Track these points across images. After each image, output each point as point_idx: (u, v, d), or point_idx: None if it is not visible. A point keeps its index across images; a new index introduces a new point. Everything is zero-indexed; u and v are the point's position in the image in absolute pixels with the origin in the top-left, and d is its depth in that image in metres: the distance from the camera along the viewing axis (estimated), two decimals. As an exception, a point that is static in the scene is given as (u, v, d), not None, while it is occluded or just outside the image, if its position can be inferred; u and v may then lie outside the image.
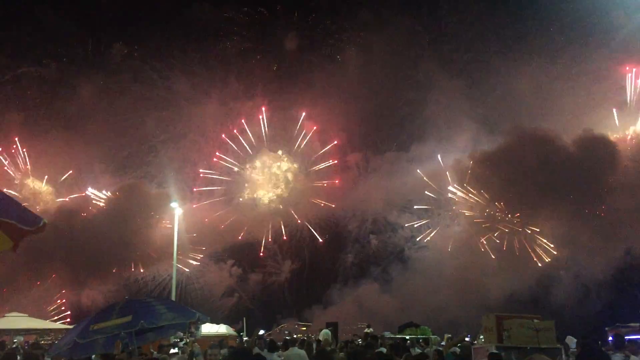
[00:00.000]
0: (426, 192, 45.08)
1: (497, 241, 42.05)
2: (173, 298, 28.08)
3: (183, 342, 21.65)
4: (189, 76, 47.82)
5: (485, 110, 44.73)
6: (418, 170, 44.67)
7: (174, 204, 31.25)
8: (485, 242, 42.35)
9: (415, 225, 45.60)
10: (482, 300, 35.47)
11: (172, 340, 20.68)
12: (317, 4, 49.14)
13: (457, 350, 12.37)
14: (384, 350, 12.38)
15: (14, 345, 23.08)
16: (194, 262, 44.48)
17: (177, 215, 30.38)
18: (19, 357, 12.93)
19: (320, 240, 47.36)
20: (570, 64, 42.78)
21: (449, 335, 17.58)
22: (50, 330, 28.26)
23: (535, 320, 11.10)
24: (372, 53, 47.96)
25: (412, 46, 47.07)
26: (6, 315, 26.08)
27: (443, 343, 19.00)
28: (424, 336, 18.41)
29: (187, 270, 43.86)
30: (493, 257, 41.48)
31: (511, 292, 37.24)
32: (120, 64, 47.77)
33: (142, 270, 43.30)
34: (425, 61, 46.45)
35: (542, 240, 41.75)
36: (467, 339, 13.95)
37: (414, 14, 46.64)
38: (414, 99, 46.55)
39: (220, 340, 17.99)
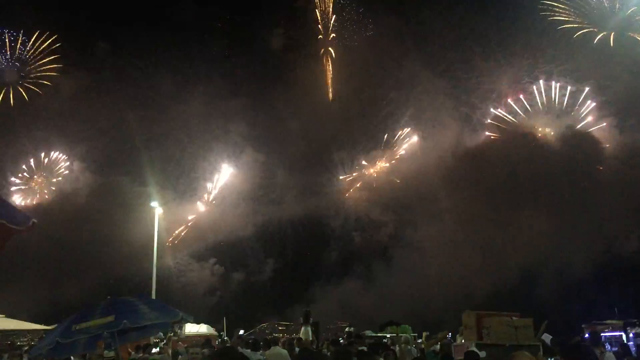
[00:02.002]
0: (409, 189, 45.52)
1: (480, 238, 42.53)
2: (153, 297, 27.87)
3: (163, 342, 21.52)
4: (173, 75, 47.61)
5: (469, 109, 45.39)
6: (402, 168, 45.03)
7: (154, 204, 31.04)
8: (468, 240, 42.80)
9: (399, 223, 46.01)
10: (465, 297, 35.85)
11: (152, 341, 20.54)
12: (302, 4, 49.43)
13: (437, 348, 12.53)
14: (365, 348, 12.46)
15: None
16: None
17: (157, 215, 30.19)
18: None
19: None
20: (552, 64, 43.61)
21: (427, 333, 17.75)
22: (27, 331, 27.79)
23: (514, 318, 11.32)
24: (356, 52, 48.32)
25: (396, 46, 47.54)
26: (-19, 315, 25.54)
27: (419, 340, 19.19)
28: (404, 335, 18.56)
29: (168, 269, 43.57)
30: (476, 254, 41.92)
31: (494, 290, 37.68)
32: (103, 63, 47.43)
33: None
34: (410, 61, 46.93)
35: (524, 238, 42.26)
36: (449, 336, 14.11)
37: (399, 14, 47.06)
38: (398, 98, 47.06)
39: (207, 340, 17.93)
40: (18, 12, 44.90)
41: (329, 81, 49.59)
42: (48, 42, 47.61)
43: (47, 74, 47.79)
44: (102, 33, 47.26)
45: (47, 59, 47.72)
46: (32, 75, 47.98)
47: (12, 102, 46.87)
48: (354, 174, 49.17)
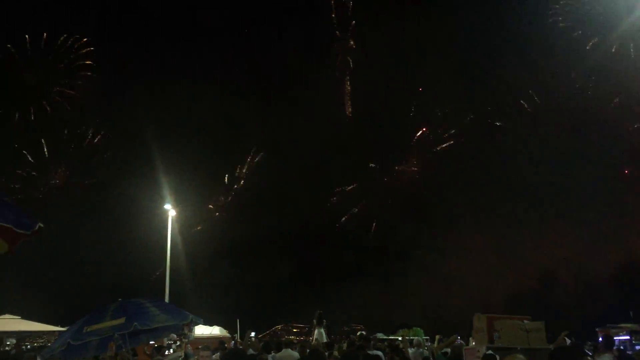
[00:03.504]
0: (427, 191, 45.51)
1: (499, 241, 42.24)
2: (166, 299, 28.06)
3: (177, 344, 21.67)
4: (188, 76, 47.93)
5: (487, 107, 45.20)
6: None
7: (167, 206, 31.23)
8: (486, 242, 42.52)
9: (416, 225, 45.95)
10: (482, 300, 35.61)
11: (166, 342, 20.68)
12: (319, 4, 49.53)
13: (448, 351, 12.48)
14: (379, 353, 12.44)
15: (7, 348, 23.04)
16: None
17: (170, 217, 30.38)
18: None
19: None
20: (571, 63, 43.17)
21: (440, 337, 17.66)
22: (44, 332, 28.12)
23: (526, 321, 11.22)
24: (373, 52, 48.29)
25: (414, 46, 47.18)
26: (-1, 317, 25.93)
27: (428, 344, 19.09)
28: (416, 337, 18.52)
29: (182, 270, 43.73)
30: (494, 257, 41.62)
31: (512, 293, 37.38)
32: (119, 66, 47.78)
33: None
34: (428, 60, 46.56)
35: (542, 241, 41.83)
36: (458, 338, 14.01)
37: (416, 13, 46.70)
38: (416, 98, 47.02)
39: (220, 341, 18.00)
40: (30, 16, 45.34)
41: (347, 96, 49.72)
42: (76, 46, 47.34)
43: (77, 82, 47.58)
44: (117, 38, 47.70)
45: (78, 64, 47.36)
46: (61, 84, 47.63)
47: (32, 116, 46.91)
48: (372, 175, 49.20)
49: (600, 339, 16.96)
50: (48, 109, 47.16)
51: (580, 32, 43.16)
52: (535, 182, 41.38)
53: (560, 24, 43.48)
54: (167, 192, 37.34)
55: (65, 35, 46.80)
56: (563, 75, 43.59)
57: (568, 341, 13.97)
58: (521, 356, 3.84)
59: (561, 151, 41.74)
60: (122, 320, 9.33)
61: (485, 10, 44.14)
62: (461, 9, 45.09)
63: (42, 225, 5.50)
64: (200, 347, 18.44)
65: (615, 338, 15.82)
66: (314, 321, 20.08)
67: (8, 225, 5.17)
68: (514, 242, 42.21)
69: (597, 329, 22.11)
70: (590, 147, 40.88)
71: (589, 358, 9.62)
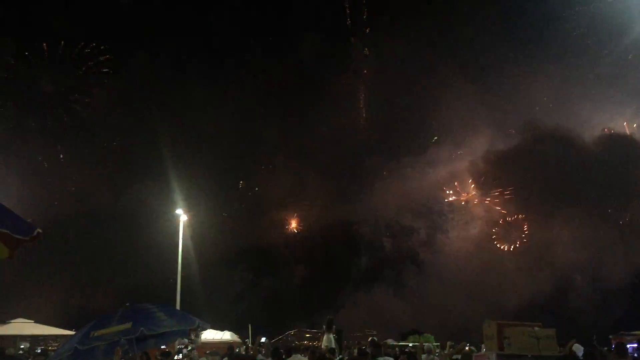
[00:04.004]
0: (442, 195, 45.20)
1: (514, 245, 41.87)
2: (178, 305, 28.13)
3: (188, 348, 21.72)
4: (203, 82, 48.13)
5: (502, 114, 44.73)
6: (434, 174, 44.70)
7: (179, 211, 31.32)
8: (501, 246, 42.14)
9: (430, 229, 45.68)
10: (497, 306, 35.24)
11: (177, 347, 20.74)
12: (334, 11, 49.61)
13: (459, 357, 12.36)
14: (390, 359, 12.32)
15: (20, 352, 23.21)
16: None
17: (182, 222, 30.47)
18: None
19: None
20: (587, 69, 42.63)
21: (451, 343, 17.52)
22: (56, 336, 28.34)
23: (536, 328, 11.06)
24: (388, 59, 48.18)
25: (428, 52, 46.98)
26: (12, 321, 26.17)
27: (438, 350, 18.94)
28: (427, 344, 18.39)
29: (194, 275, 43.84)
30: (509, 261, 41.23)
31: (528, 299, 36.98)
32: (137, 73, 48.10)
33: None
34: (442, 66, 46.35)
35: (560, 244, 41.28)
36: (468, 346, 13.87)
37: (431, 20, 46.53)
38: (430, 104, 46.68)
39: (230, 347, 18.02)
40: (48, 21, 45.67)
41: (362, 103, 49.77)
42: (94, 54, 47.53)
43: (93, 89, 47.89)
44: (136, 42, 48.05)
45: (95, 71, 47.60)
46: (77, 91, 47.95)
47: (49, 123, 47.29)
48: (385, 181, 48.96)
49: (613, 347, 16.68)
50: (64, 115, 47.69)
51: (595, 37, 42.65)
52: (551, 184, 40.89)
53: (576, 31, 43.05)
54: (179, 197, 37.60)
55: (82, 43, 47.18)
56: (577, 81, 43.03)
57: (581, 348, 13.78)
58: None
59: (576, 156, 41.22)
60: (128, 325, 9.34)
61: (499, 16, 43.95)
62: (474, 16, 44.89)
63: (40, 231, 5.50)
64: (208, 352, 18.52)
65: (628, 345, 15.54)
66: (324, 327, 20.02)
67: (5, 231, 5.19)
68: (527, 247, 41.84)
69: (610, 337, 21.81)
70: (605, 152, 40.36)
71: None
